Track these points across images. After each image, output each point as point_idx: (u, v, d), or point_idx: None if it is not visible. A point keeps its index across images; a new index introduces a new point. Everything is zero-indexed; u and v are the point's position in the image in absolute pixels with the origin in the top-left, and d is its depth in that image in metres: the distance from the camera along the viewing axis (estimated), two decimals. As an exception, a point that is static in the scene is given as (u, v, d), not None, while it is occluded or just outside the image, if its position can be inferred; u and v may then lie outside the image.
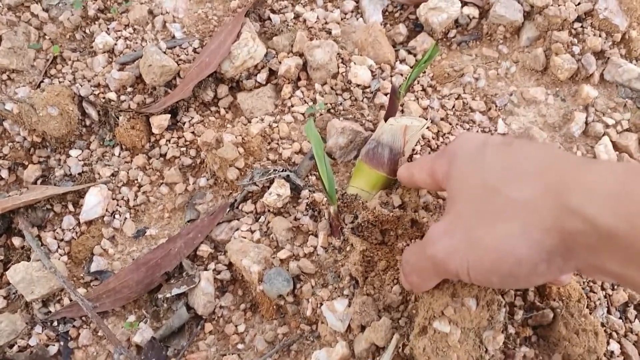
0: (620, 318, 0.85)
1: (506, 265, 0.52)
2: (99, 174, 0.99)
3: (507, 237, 0.52)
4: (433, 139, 0.97)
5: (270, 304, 0.83)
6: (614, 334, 0.82)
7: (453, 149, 0.65)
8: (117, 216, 0.95)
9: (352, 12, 1.14)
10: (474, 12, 1.11)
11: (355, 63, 1.03)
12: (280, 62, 1.03)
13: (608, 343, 0.80)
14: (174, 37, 1.10)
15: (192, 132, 1.00)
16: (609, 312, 0.84)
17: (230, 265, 0.88)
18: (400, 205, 0.85)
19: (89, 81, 1.05)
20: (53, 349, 0.86)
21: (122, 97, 1.03)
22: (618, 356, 0.80)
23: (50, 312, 0.87)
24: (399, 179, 0.82)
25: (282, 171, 0.92)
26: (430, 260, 0.60)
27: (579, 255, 0.49)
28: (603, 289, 0.85)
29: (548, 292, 0.79)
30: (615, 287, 0.86)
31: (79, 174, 0.99)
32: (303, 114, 1.01)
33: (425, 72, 1.06)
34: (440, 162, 0.67)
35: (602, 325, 0.82)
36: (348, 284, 0.81)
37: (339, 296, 0.80)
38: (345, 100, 1.01)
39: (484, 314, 0.68)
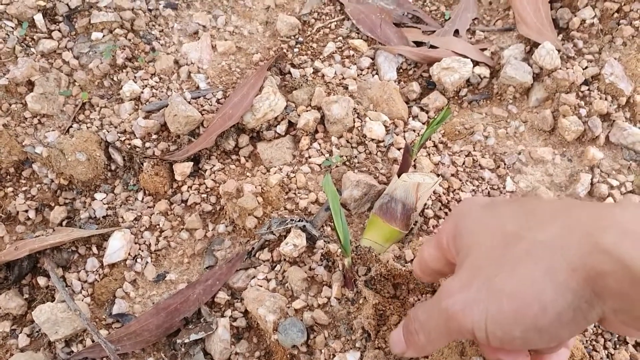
0: (622, 377, 0.87)
1: (530, 313, 0.47)
2: (122, 217, 1.03)
3: (530, 282, 0.47)
4: (444, 194, 1.01)
5: (284, 353, 0.86)
6: (616, 392, 0.85)
7: (458, 211, 0.61)
8: (139, 260, 0.99)
9: (368, 68, 1.19)
10: (485, 72, 1.16)
11: (370, 118, 1.08)
12: (299, 115, 1.08)
13: (610, 402, 0.83)
14: (198, 87, 1.15)
15: (213, 180, 1.04)
16: (611, 371, 0.87)
17: (246, 313, 0.91)
18: (412, 259, 0.89)
19: (115, 127, 1.10)
20: (73, 388, 0.89)
21: (147, 144, 1.08)
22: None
23: (72, 352, 0.90)
24: (417, 275, 0.73)
25: (299, 221, 0.96)
26: (444, 314, 0.54)
27: (607, 300, 0.45)
28: (605, 348, 0.88)
29: (552, 351, 0.82)
30: (618, 346, 0.89)
31: (103, 217, 1.03)
32: (320, 165, 1.05)
33: (437, 129, 1.10)
34: (445, 227, 0.62)
35: (605, 384, 0.84)
36: (360, 336, 0.84)
37: (351, 348, 0.83)
38: (360, 153, 1.06)
39: (491, 372, 0.71)
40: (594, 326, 0.88)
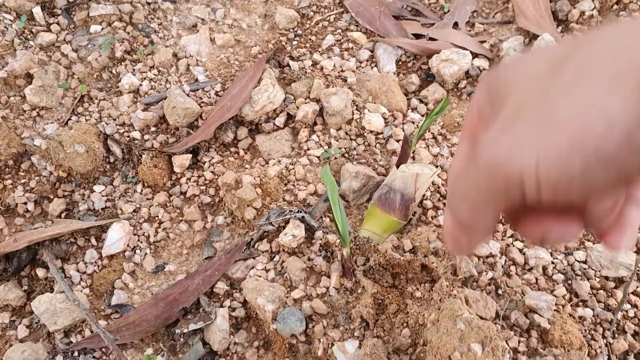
0: (621, 366, 0.87)
1: (593, 136, 0.35)
2: (121, 209, 1.03)
3: (591, 97, 0.35)
4: (442, 185, 1.01)
5: (283, 343, 0.86)
6: (615, 381, 0.85)
7: (492, 70, 0.49)
8: (137, 251, 0.99)
9: (367, 61, 1.19)
10: (484, 63, 1.16)
11: (369, 110, 1.08)
12: (298, 108, 1.08)
13: (609, 391, 0.83)
14: (197, 80, 1.15)
15: (212, 172, 1.04)
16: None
17: (245, 303, 0.91)
18: (411, 249, 0.89)
19: (114, 120, 1.10)
20: (72, 379, 0.89)
21: (146, 136, 1.08)
22: (618, 404, 0.83)
23: (71, 342, 0.91)
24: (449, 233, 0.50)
25: (298, 212, 0.96)
26: (485, 168, 0.41)
27: None
28: (604, 337, 0.88)
29: (550, 339, 0.82)
30: (617, 335, 0.89)
31: (102, 209, 1.03)
32: (318, 157, 1.05)
33: (436, 121, 1.10)
34: (476, 94, 0.48)
35: (603, 373, 0.85)
36: (359, 325, 0.84)
37: (349, 337, 0.83)
38: (359, 145, 1.06)
39: (489, 359, 0.71)
40: (593, 315, 0.88)
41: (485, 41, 1.22)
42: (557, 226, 0.43)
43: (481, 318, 0.79)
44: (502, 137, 0.39)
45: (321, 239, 0.94)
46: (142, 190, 1.05)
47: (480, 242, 0.48)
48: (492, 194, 0.41)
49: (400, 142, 1.02)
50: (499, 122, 0.41)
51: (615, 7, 1.19)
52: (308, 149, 1.07)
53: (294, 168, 1.04)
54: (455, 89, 1.16)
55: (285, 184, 1.02)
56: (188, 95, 1.11)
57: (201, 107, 1.09)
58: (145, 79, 1.15)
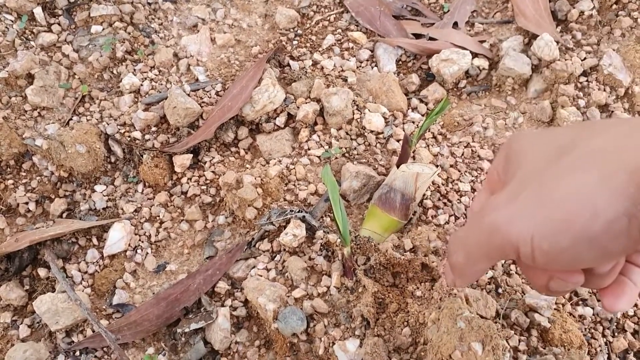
0: (620, 365, 0.88)
1: (580, 220, 0.42)
2: (122, 209, 1.03)
3: (582, 188, 0.42)
4: (443, 185, 1.02)
5: (284, 342, 0.86)
6: (615, 380, 0.85)
7: (509, 139, 0.56)
8: (139, 251, 0.99)
9: (367, 60, 1.20)
10: (484, 63, 1.16)
11: (369, 110, 1.08)
12: (298, 107, 1.09)
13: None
14: (197, 80, 1.16)
15: (213, 172, 1.05)
16: (609, 358, 0.87)
17: (246, 302, 0.92)
18: (411, 249, 0.89)
19: (115, 120, 1.10)
20: (74, 378, 0.89)
21: (147, 136, 1.08)
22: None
23: (73, 342, 0.91)
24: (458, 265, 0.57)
25: (299, 212, 0.96)
26: (487, 229, 0.48)
27: None
28: (604, 335, 0.88)
29: (550, 338, 0.83)
30: (616, 334, 0.89)
31: (103, 208, 1.04)
32: (319, 157, 1.06)
33: (436, 120, 1.11)
34: (495, 161, 0.57)
35: (603, 371, 0.85)
36: (360, 324, 0.84)
37: (350, 336, 0.83)
38: (359, 145, 1.06)
39: (489, 358, 0.71)
40: (593, 314, 0.89)
41: (484, 41, 1.22)
42: (560, 278, 0.49)
43: (481, 317, 0.80)
44: (506, 205, 0.47)
45: (322, 239, 0.94)
46: (143, 190, 1.06)
47: (469, 283, 0.57)
48: (488, 250, 0.49)
49: (401, 142, 1.03)
50: (507, 191, 0.48)
51: (614, 6, 1.19)
52: (309, 149, 1.07)
53: (294, 168, 1.04)
54: (455, 89, 1.17)
55: (286, 184, 1.03)
56: (189, 95, 1.11)
57: (202, 107, 1.09)
58: (146, 79, 1.15)
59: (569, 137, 0.47)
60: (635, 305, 0.90)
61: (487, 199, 0.56)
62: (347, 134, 1.07)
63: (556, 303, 0.88)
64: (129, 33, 1.19)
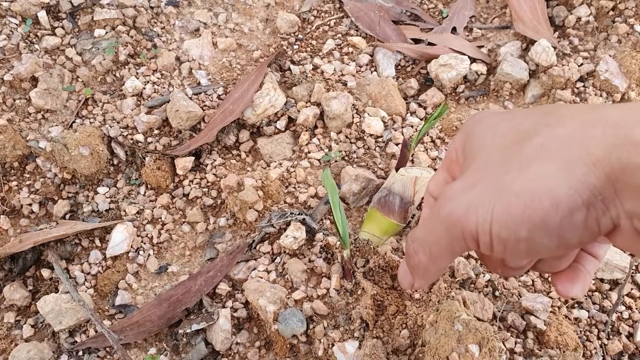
0: (615, 367, 0.89)
1: (540, 210, 0.41)
2: (125, 211, 1.05)
3: (543, 177, 0.41)
4: (441, 188, 1.03)
5: (284, 343, 0.88)
6: (609, 382, 0.87)
7: (469, 120, 0.53)
8: (141, 252, 1.01)
9: (366, 65, 1.21)
10: (482, 68, 1.18)
11: (368, 114, 1.10)
12: (299, 111, 1.10)
13: (603, 391, 0.85)
14: (199, 83, 1.17)
15: (214, 174, 1.06)
16: (604, 360, 0.88)
17: (247, 304, 0.93)
18: (409, 252, 0.91)
19: (118, 123, 1.12)
20: (77, 378, 0.91)
21: (149, 139, 1.10)
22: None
23: (76, 342, 0.92)
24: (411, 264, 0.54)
25: (299, 214, 0.97)
26: (445, 221, 0.46)
27: (627, 201, 0.40)
28: (599, 338, 0.90)
29: (546, 340, 0.84)
30: (611, 336, 0.90)
31: (106, 210, 1.05)
32: (319, 160, 1.07)
33: (434, 125, 1.12)
34: (454, 141, 0.54)
35: (598, 373, 0.86)
36: (359, 326, 0.85)
37: (349, 338, 0.85)
38: (358, 148, 1.08)
39: (486, 359, 0.73)
40: (588, 317, 0.90)
41: (483, 46, 1.23)
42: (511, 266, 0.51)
43: (478, 319, 0.81)
44: (463, 194, 0.45)
45: (322, 241, 0.95)
46: (145, 192, 1.07)
47: (429, 283, 0.55)
48: (450, 243, 0.47)
49: (400, 146, 1.04)
50: (464, 178, 0.47)
51: (611, 13, 1.21)
52: (309, 152, 1.08)
53: (295, 171, 1.06)
54: (453, 94, 1.18)
55: (287, 187, 1.04)
56: (191, 98, 1.12)
57: (204, 110, 1.11)
58: (148, 82, 1.16)
59: (532, 122, 0.46)
60: (630, 308, 0.92)
61: (445, 180, 0.55)
62: (346, 137, 1.09)
63: (552, 306, 0.89)
64: (132, 37, 1.20)
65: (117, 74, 1.18)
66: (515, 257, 0.47)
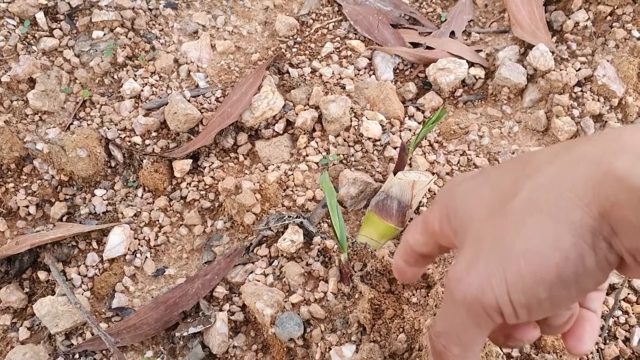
0: (612, 371, 0.89)
1: (552, 267, 0.40)
2: (122, 213, 1.04)
3: (541, 232, 0.40)
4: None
5: (281, 347, 0.88)
6: (606, 386, 0.87)
7: (445, 190, 0.51)
8: (138, 255, 1.01)
9: (365, 69, 1.21)
10: (480, 72, 1.18)
11: (367, 117, 1.10)
12: (297, 114, 1.10)
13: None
14: (197, 86, 1.17)
15: (212, 177, 1.06)
16: (601, 365, 0.89)
17: (244, 307, 0.93)
18: (406, 256, 0.91)
19: (115, 125, 1.11)
20: (73, 381, 0.90)
21: (147, 141, 1.10)
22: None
23: (72, 344, 0.92)
24: (396, 273, 0.56)
25: (296, 218, 0.97)
26: (463, 304, 0.45)
27: (624, 237, 0.39)
28: (596, 343, 0.90)
29: (543, 345, 0.84)
30: (608, 341, 0.90)
31: (103, 212, 1.05)
32: (317, 163, 1.07)
33: (432, 128, 1.12)
34: (432, 211, 0.52)
35: (595, 378, 0.86)
36: (356, 330, 0.85)
37: (347, 342, 0.85)
38: (356, 152, 1.08)
39: (483, 364, 0.73)
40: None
41: (481, 50, 1.24)
42: (518, 334, 0.49)
43: (476, 324, 0.81)
44: (469, 273, 0.44)
45: (319, 245, 0.95)
46: (142, 195, 1.07)
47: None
48: (475, 323, 0.45)
49: (398, 149, 1.04)
50: (463, 260, 0.45)
51: (608, 18, 1.21)
52: (307, 155, 1.08)
53: (292, 174, 1.06)
54: (451, 97, 1.18)
55: (284, 190, 1.04)
56: (189, 101, 1.12)
57: (202, 112, 1.11)
58: (146, 84, 1.16)
59: (510, 178, 0.45)
60: (626, 312, 0.92)
61: (425, 242, 0.53)
62: (344, 141, 1.09)
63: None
64: (130, 39, 1.20)
65: (115, 76, 1.18)
66: (542, 316, 0.46)
